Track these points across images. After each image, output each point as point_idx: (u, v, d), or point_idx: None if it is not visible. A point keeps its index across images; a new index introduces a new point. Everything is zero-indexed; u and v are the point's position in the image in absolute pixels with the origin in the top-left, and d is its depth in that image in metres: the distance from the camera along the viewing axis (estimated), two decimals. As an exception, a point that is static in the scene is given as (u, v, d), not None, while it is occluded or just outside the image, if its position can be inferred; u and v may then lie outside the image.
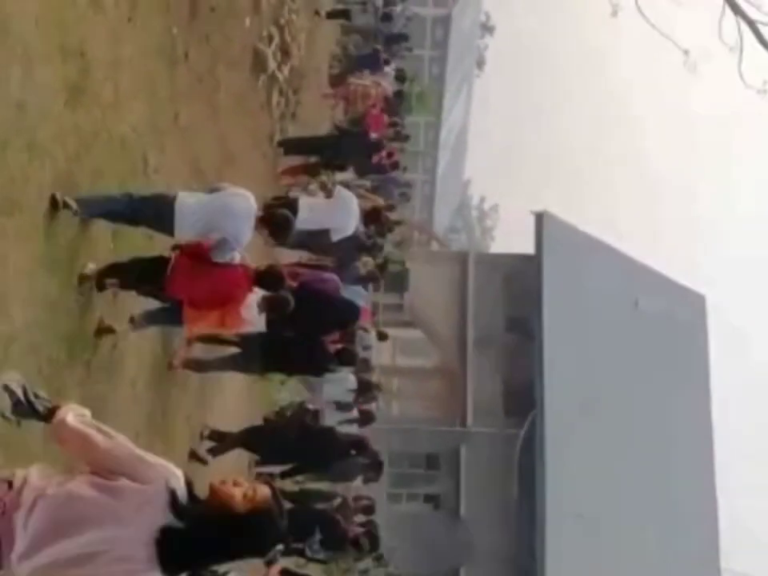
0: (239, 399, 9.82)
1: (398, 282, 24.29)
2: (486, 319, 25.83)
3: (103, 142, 5.50)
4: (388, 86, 14.49)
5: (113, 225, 5.60)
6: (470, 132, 71.60)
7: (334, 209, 8.70)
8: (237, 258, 5.80)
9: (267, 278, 6.06)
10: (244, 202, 5.70)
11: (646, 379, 24.39)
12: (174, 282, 5.63)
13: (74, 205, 4.89)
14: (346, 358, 8.40)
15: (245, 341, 7.55)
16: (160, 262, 5.71)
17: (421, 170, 53.82)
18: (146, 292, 5.91)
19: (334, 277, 8.68)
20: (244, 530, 2.81)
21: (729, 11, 18.79)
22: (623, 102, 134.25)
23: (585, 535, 21.91)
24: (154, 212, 5.45)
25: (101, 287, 5.46)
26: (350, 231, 8.82)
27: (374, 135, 12.07)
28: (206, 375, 7.93)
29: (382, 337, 11.67)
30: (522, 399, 23.91)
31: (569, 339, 23.70)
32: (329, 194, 9.19)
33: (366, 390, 10.25)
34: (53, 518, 2.78)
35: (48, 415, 3.17)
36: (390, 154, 13.36)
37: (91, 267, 5.36)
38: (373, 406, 11.47)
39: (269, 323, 6.78)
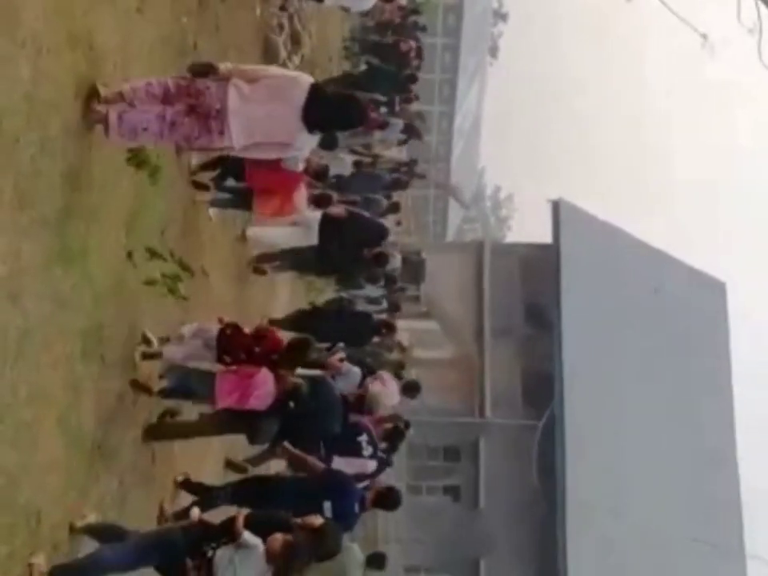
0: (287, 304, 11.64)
1: (414, 273, 24.19)
2: (503, 309, 25.69)
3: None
4: (401, 1, 16.21)
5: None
6: (483, 121, 71.35)
7: None
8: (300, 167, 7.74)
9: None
10: None
11: (666, 368, 24.21)
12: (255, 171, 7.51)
13: None
14: (382, 258, 10.66)
15: (301, 250, 9.71)
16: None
17: (435, 159, 53.62)
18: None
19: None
20: None
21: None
22: (639, 88, 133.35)
23: (606, 526, 21.80)
24: None
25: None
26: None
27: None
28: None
29: (405, 261, 14.78)
30: (541, 389, 23.79)
31: (588, 328, 23.53)
32: None
33: (392, 283, 13.25)
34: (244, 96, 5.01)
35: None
36: (418, 50, 15.66)
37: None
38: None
39: (320, 237, 9.27)
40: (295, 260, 10.12)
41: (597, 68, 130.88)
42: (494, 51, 72.25)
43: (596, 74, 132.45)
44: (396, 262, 13.35)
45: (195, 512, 5.20)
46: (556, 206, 25.87)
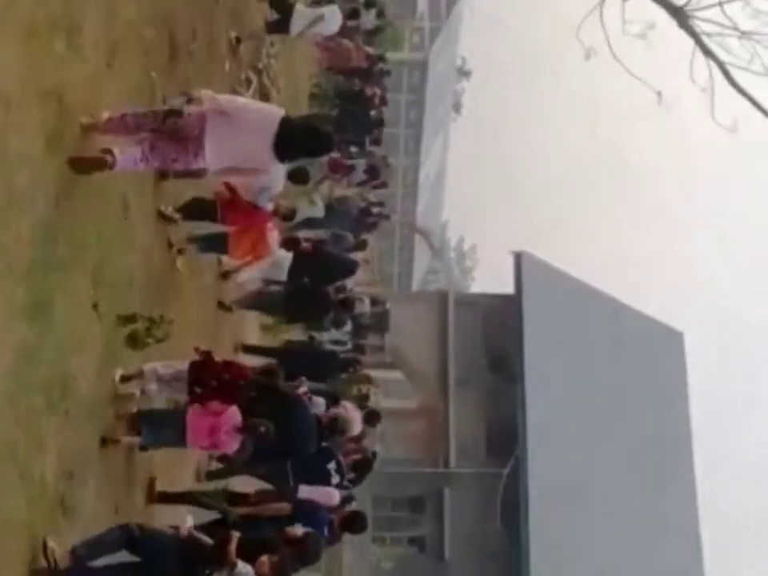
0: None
1: (379, 323, 24.23)
2: (467, 359, 25.80)
3: (83, 186, 5.47)
4: (368, 49, 16.36)
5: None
6: (447, 174, 72.18)
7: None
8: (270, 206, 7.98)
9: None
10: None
11: (627, 416, 24.39)
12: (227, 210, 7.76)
13: None
14: (348, 303, 11.14)
15: (270, 294, 10.24)
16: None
17: (400, 211, 54.09)
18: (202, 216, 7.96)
19: None
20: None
21: (699, 53, 19.17)
22: (600, 142, 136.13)
23: (571, 574, 21.73)
24: None
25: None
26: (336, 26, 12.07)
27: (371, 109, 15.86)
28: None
29: (374, 303, 15.04)
30: (505, 439, 23.82)
31: (550, 378, 23.70)
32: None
33: (358, 328, 13.95)
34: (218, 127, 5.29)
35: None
36: (381, 98, 16.47)
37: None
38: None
39: (290, 273, 9.66)
40: (263, 301, 10.40)
41: (557, 123, 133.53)
42: (457, 107, 73.32)
43: (556, 128, 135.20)
44: (364, 307, 13.71)
45: (189, 521, 5.34)
46: (518, 258, 26.20)
